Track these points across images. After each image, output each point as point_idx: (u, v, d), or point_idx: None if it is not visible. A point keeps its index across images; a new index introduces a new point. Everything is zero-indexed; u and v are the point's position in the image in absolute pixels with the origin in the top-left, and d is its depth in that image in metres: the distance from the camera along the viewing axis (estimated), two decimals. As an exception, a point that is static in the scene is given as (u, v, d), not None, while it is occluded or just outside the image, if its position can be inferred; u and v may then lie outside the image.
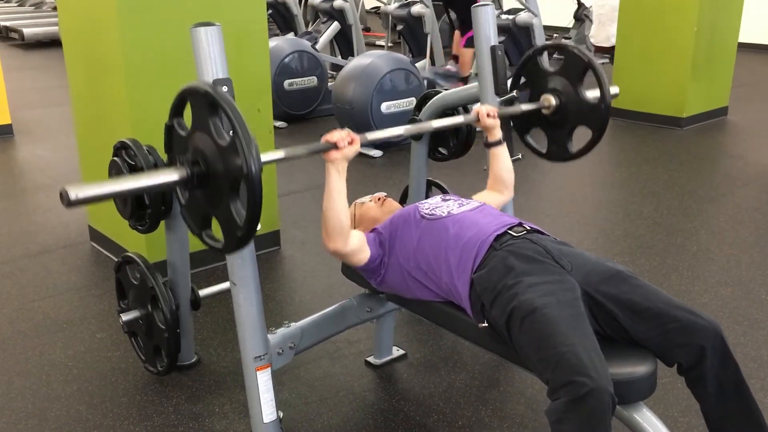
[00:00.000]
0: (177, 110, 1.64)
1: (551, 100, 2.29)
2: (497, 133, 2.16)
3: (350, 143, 1.75)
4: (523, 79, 2.41)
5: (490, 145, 2.18)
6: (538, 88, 2.33)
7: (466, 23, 6.11)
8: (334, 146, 1.73)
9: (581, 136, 2.31)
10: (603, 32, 7.39)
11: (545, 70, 2.32)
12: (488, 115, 2.13)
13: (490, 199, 2.15)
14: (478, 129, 2.59)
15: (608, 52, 7.40)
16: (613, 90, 2.24)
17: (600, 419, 1.41)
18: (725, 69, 5.96)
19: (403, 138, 2.82)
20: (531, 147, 2.45)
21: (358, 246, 1.87)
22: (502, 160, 2.18)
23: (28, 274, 3.20)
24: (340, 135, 1.74)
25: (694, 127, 5.74)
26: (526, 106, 2.30)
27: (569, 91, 2.26)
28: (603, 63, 7.59)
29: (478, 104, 2.17)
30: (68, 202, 1.38)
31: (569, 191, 4.34)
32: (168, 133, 1.64)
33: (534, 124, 2.38)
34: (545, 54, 2.37)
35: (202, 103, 1.53)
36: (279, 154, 1.68)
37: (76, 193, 1.39)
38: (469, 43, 6.06)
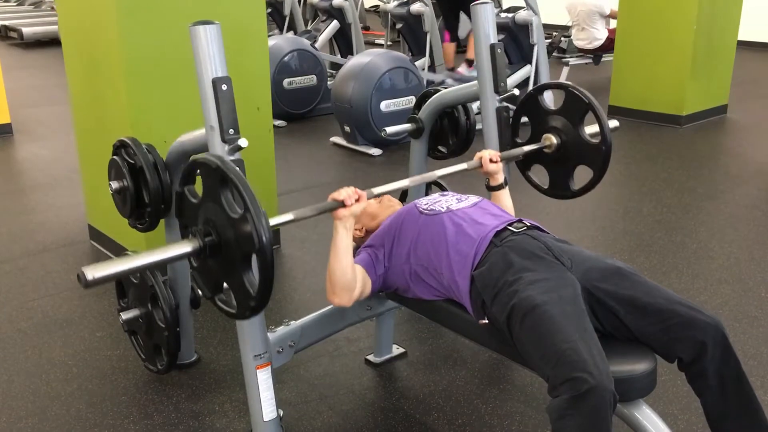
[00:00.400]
0: (187, 179, 1.65)
1: (552, 139, 2.31)
2: (500, 178, 2.16)
3: (357, 200, 1.77)
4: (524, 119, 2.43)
5: (492, 189, 2.17)
6: (539, 126, 2.35)
7: (447, 20, 6.20)
8: (342, 204, 1.75)
9: (583, 172, 2.32)
10: (584, 35, 7.35)
11: (546, 109, 2.34)
12: (491, 161, 2.13)
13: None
14: (478, 127, 2.60)
15: (591, 53, 7.39)
16: (612, 124, 2.26)
17: (601, 416, 1.41)
18: (725, 67, 5.96)
19: (403, 136, 2.82)
20: (533, 183, 2.47)
21: (361, 289, 1.88)
22: (504, 203, 2.17)
23: (27, 272, 3.20)
24: (347, 193, 1.76)
25: (694, 125, 5.74)
26: (527, 148, 2.32)
27: (570, 131, 2.28)
28: (587, 63, 7.58)
29: (482, 151, 2.17)
30: (85, 284, 1.41)
31: (569, 189, 4.34)
32: (179, 200, 1.66)
33: (535, 162, 2.40)
34: (545, 94, 2.39)
35: (213, 175, 1.54)
36: (288, 216, 1.70)
37: (92, 274, 1.42)
38: (451, 38, 6.20)
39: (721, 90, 6.03)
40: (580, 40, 7.35)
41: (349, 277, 1.81)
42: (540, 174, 2.45)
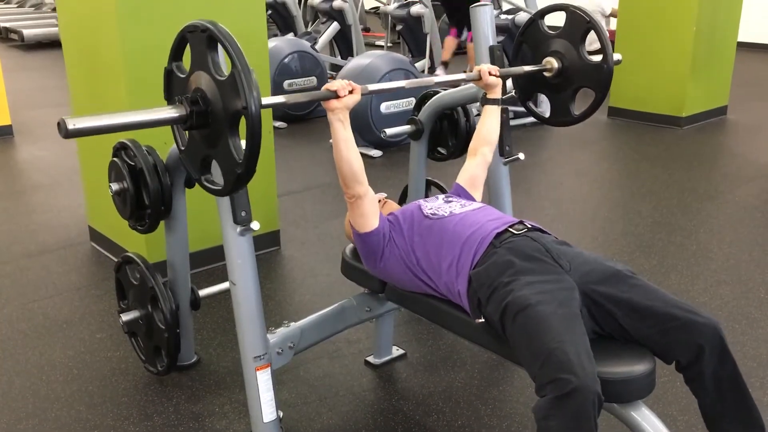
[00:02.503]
0: (176, 53, 1.64)
1: (553, 62, 2.29)
2: (497, 92, 2.19)
3: (351, 92, 1.77)
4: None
5: (487, 102, 2.19)
6: (540, 51, 2.33)
7: (451, 18, 6.21)
8: (335, 95, 1.75)
9: (583, 100, 2.30)
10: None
11: (546, 33, 2.32)
12: (490, 74, 2.15)
13: (474, 168, 2.16)
14: (476, 114, 2.60)
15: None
16: (616, 56, 2.24)
17: (585, 417, 1.42)
18: (725, 68, 5.97)
19: (403, 138, 2.82)
20: (533, 112, 2.44)
21: (373, 205, 1.89)
22: (493, 118, 2.20)
23: (28, 274, 3.21)
24: (340, 84, 1.77)
25: (694, 127, 5.74)
26: (528, 67, 2.30)
27: (571, 53, 2.26)
28: None
29: (482, 64, 2.18)
30: (66, 133, 1.40)
31: (568, 190, 4.35)
32: (167, 77, 1.64)
33: (536, 89, 2.38)
34: (545, 17, 2.37)
35: (202, 39, 1.52)
36: (281, 99, 1.69)
37: (73, 123, 1.41)
38: (458, 35, 6.21)
39: (721, 91, 6.03)
40: None
41: (356, 168, 1.81)
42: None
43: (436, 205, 1.98)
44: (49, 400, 2.29)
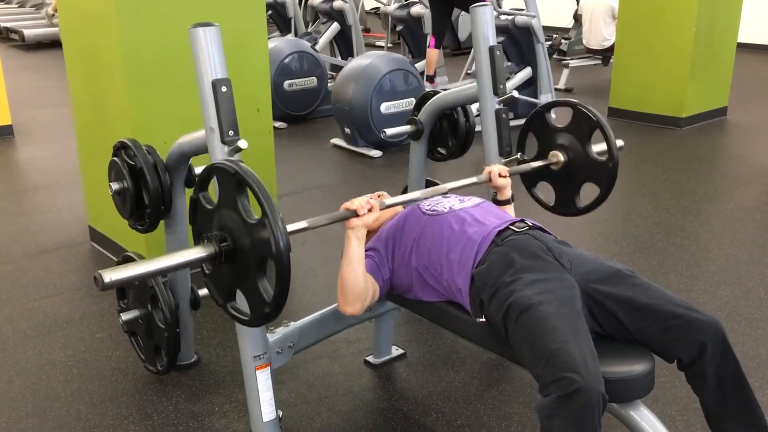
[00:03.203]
0: (202, 185, 1.65)
1: (559, 156, 2.32)
2: (507, 193, 2.18)
3: (369, 210, 1.78)
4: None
5: (499, 203, 2.18)
6: (546, 143, 2.36)
7: (435, 24, 6.15)
8: (355, 214, 1.76)
9: (588, 190, 2.33)
10: (595, 34, 7.35)
11: (553, 126, 2.35)
12: (500, 175, 2.14)
13: None
14: (477, 129, 2.60)
15: (601, 53, 7.38)
16: (618, 143, 2.27)
17: (589, 416, 1.42)
18: (724, 69, 5.97)
19: (403, 138, 2.83)
20: (538, 200, 2.48)
21: (371, 297, 1.89)
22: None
23: (28, 273, 3.21)
24: (360, 203, 1.77)
25: (694, 127, 5.75)
26: (535, 164, 2.34)
27: (577, 148, 2.29)
28: (595, 64, 7.59)
29: (491, 166, 2.19)
30: (102, 287, 1.46)
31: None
32: (193, 206, 1.66)
33: (542, 179, 2.41)
34: (552, 111, 2.41)
35: (230, 180, 1.54)
36: (302, 224, 1.71)
37: (109, 276, 1.46)
38: (437, 44, 6.14)
39: (721, 92, 6.03)
40: (590, 40, 7.35)
41: (361, 286, 1.82)
42: (545, 192, 2.46)
43: (434, 201, 1.99)
44: (49, 399, 2.29)
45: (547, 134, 2.36)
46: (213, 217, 1.61)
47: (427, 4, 6.77)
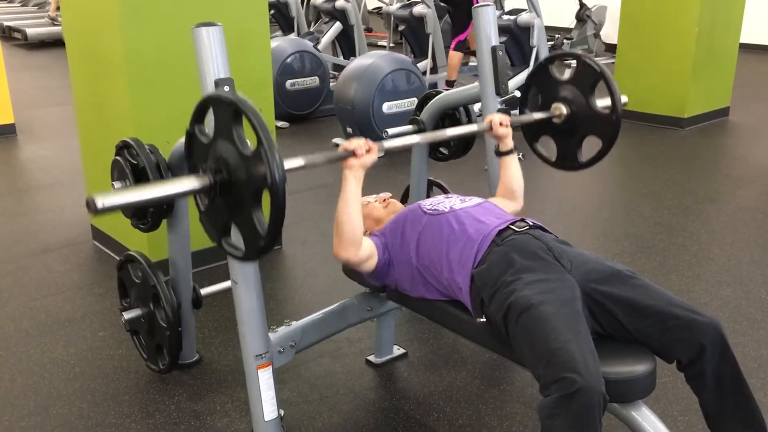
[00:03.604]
0: (198, 117, 1.64)
1: (562, 109, 2.29)
2: (509, 143, 2.16)
3: (368, 151, 1.77)
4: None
5: (501, 154, 2.17)
6: (549, 96, 2.34)
7: (456, 26, 6.11)
8: (353, 154, 1.75)
9: (590, 145, 2.31)
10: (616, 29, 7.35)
11: (556, 78, 2.32)
12: (501, 124, 2.13)
13: (506, 204, 2.14)
14: (477, 114, 2.60)
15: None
16: (623, 99, 2.24)
17: (589, 416, 1.42)
18: (726, 69, 5.96)
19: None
20: (540, 155, 2.45)
21: (368, 254, 1.89)
22: (512, 169, 2.17)
23: (30, 272, 3.22)
24: (358, 143, 1.76)
25: (696, 128, 5.74)
26: (537, 115, 2.30)
27: (580, 101, 2.26)
28: (613, 63, 7.57)
29: (492, 114, 2.17)
30: (95, 210, 1.41)
31: (570, 191, 4.35)
32: (189, 139, 1.64)
33: (544, 133, 2.38)
34: (556, 63, 2.38)
35: (227, 111, 1.53)
36: (299, 161, 1.69)
37: (102, 201, 1.42)
38: (458, 47, 6.07)
39: (723, 92, 6.03)
40: (611, 34, 7.31)
41: (357, 230, 1.80)
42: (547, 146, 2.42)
43: (435, 201, 1.99)
44: (51, 398, 2.30)
45: (551, 87, 2.33)
46: (209, 151, 1.59)
47: (430, 4, 6.77)
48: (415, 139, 1.99)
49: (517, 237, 1.78)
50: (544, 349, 1.51)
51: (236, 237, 1.61)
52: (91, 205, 1.40)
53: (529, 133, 2.42)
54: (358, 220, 1.79)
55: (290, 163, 1.66)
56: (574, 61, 2.29)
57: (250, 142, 1.49)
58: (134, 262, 2.35)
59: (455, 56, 6.06)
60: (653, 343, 1.63)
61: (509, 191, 2.18)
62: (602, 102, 2.25)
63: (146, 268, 2.28)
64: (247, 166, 1.49)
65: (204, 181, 1.56)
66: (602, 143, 2.27)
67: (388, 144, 1.87)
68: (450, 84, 6.05)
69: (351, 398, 2.30)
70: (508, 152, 2.17)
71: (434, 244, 1.86)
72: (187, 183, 1.57)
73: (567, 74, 2.31)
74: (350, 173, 1.77)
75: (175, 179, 1.56)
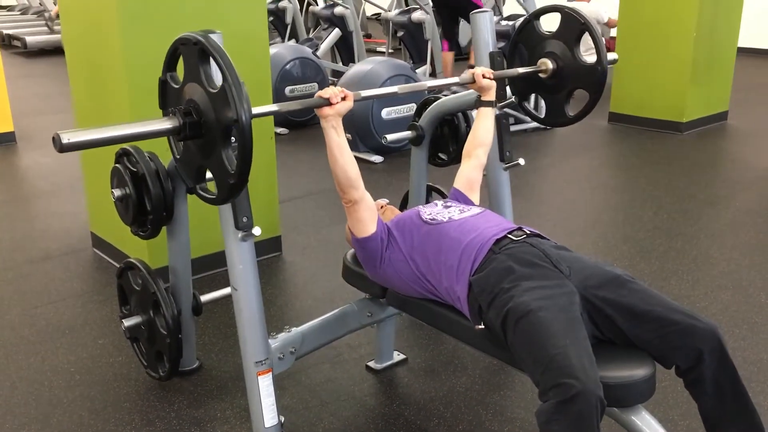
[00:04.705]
0: (170, 64, 1.66)
1: (548, 63, 2.31)
2: (492, 94, 2.20)
3: (343, 99, 1.79)
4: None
5: (481, 104, 2.20)
6: (536, 52, 2.34)
7: (447, 30, 6.15)
8: (327, 102, 1.77)
9: (579, 99, 2.32)
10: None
11: (541, 34, 2.33)
12: (484, 76, 2.16)
13: (469, 171, 2.17)
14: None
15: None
16: (611, 56, 2.25)
17: (587, 421, 1.42)
18: (725, 74, 5.98)
19: (404, 143, 2.83)
20: (529, 113, 2.46)
21: (370, 210, 1.91)
22: (488, 121, 2.21)
23: (30, 280, 3.22)
24: (333, 91, 1.79)
25: (694, 132, 5.75)
26: (523, 70, 2.31)
27: (566, 55, 2.28)
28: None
29: (476, 67, 2.20)
30: (60, 147, 1.42)
31: (569, 195, 4.35)
32: (162, 87, 1.67)
33: (532, 90, 2.39)
34: (541, 18, 2.39)
35: (193, 52, 1.55)
36: (272, 107, 1.72)
37: (68, 137, 1.42)
38: (450, 47, 6.13)
39: (722, 96, 6.04)
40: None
41: (351, 174, 1.83)
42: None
43: (435, 210, 1.99)
44: (51, 406, 2.30)
45: (536, 43, 2.34)
46: (180, 95, 1.61)
47: (428, 10, 6.79)
48: (393, 89, 2.01)
49: (515, 246, 1.78)
50: (542, 354, 1.51)
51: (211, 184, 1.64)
52: (56, 141, 1.41)
53: (517, 92, 2.42)
54: (348, 164, 1.82)
55: (262, 108, 1.68)
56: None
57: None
58: (134, 269, 2.35)
59: (448, 56, 6.10)
60: (652, 349, 1.63)
61: (478, 142, 2.20)
62: (589, 56, 2.26)
63: (146, 275, 2.28)
64: (215, 104, 1.51)
65: (174, 122, 1.58)
66: (589, 96, 2.29)
67: (365, 93, 1.89)
68: None
69: (351, 404, 2.29)
70: (489, 103, 2.20)
71: (433, 252, 1.86)
72: (157, 124, 1.58)
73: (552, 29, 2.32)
74: (327, 123, 1.80)
75: (145, 121, 1.58)
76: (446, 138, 2.77)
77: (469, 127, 2.71)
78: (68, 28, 3.28)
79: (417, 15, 6.93)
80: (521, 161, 2.53)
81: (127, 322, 2.36)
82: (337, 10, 6.98)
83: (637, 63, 5.77)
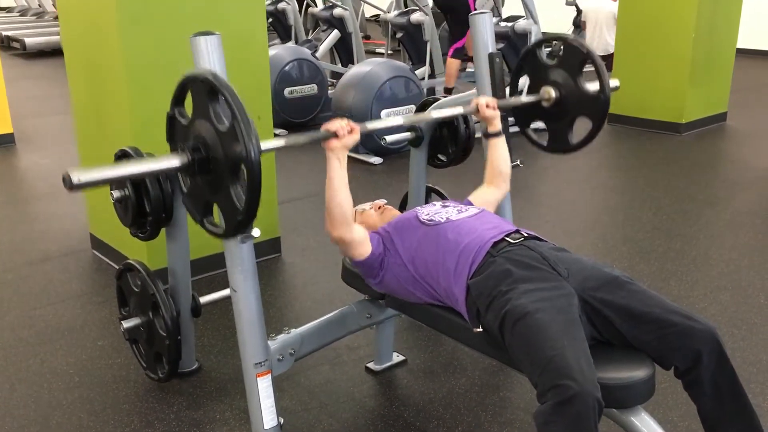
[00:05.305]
0: (178, 99, 1.67)
1: (551, 92, 2.31)
2: (497, 124, 2.17)
3: (350, 132, 1.78)
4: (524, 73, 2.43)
5: (489, 136, 2.18)
6: (538, 80, 2.35)
7: (454, 33, 6.12)
8: (334, 135, 1.76)
9: (581, 128, 2.32)
10: (599, 41, 7.36)
11: (544, 62, 2.34)
12: (487, 106, 2.14)
13: (488, 195, 2.16)
14: (477, 135, 2.61)
15: (605, 59, 7.39)
16: (613, 83, 2.26)
17: (585, 423, 1.42)
18: (724, 74, 5.98)
19: (403, 145, 2.83)
20: (532, 140, 2.47)
21: (361, 238, 1.89)
22: (500, 151, 2.18)
23: (29, 281, 3.22)
24: (339, 124, 1.77)
25: (693, 133, 5.76)
26: (525, 98, 2.32)
27: (569, 83, 2.28)
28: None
29: (479, 96, 2.19)
30: (71, 186, 1.41)
31: (568, 197, 4.36)
32: (170, 122, 1.67)
33: (535, 117, 2.40)
34: (544, 46, 2.40)
35: (203, 89, 1.55)
36: (279, 142, 1.72)
37: (78, 177, 1.42)
38: (456, 54, 6.08)
39: (721, 97, 6.04)
40: (594, 47, 7.36)
41: (345, 210, 1.81)
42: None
43: (432, 210, 1.99)
44: (50, 407, 2.29)
45: (539, 71, 2.35)
46: (189, 131, 1.61)
47: (428, 12, 6.79)
48: (398, 120, 2.01)
49: (512, 249, 1.78)
50: (539, 356, 1.51)
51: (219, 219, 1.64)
52: (66, 181, 1.41)
53: (520, 118, 2.43)
54: (345, 200, 1.80)
55: (272, 143, 1.68)
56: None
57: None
58: (133, 270, 2.35)
59: (453, 63, 6.08)
60: (650, 350, 1.63)
61: (497, 172, 2.19)
62: (591, 84, 2.26)
63: (145, 276, 2.28)
64: (224, 141, 1.51)
65: (183, 159, 1.58)
66: (592, 124, 2.29)
67: (371, 125, 1.88)
68: (448, 91, 6.06)
69: (351, 406, 2.29)
70: (497, 134, 2.18)
71: (431, 254, 1.86)
72: (166, 160, 1.59)
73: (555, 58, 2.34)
74: (333, 155, 1.78)
75: (154, 158, 1.58)
76: (445, 139, 2.77)
77: (468, 128, 2.71)
78: (67, 29, 3.28)
79: (416, 16, 6.93)
80: (520, 163, 2.53)
81: (127, 324, 2.36)
82: (336, 11, 6.98)
83: (637, 64, 5.77)
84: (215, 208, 1.68)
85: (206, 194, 1.62)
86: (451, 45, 6.19)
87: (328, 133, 1.76)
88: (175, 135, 1.67)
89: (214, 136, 1.53)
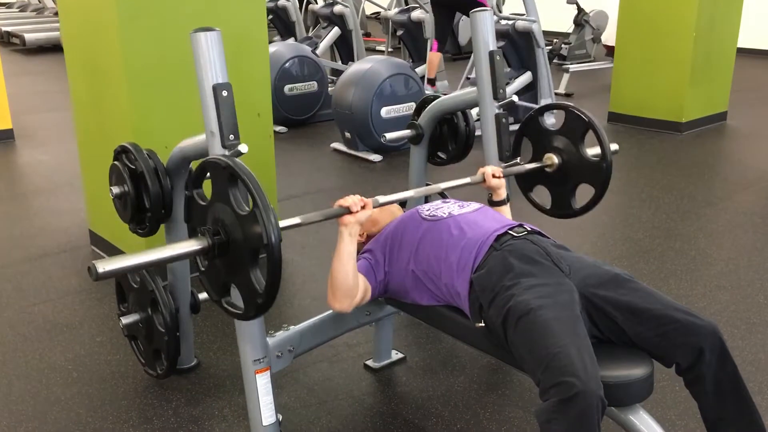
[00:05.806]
0: (196, 182, 1.68)
1: (554, 158, 2.35)
2: (502, 193, 2.19)
3: (363, 207, 1.80)
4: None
5: (494, 204, 2.19)
6: (541, 146, 2.39)
7: (438, 29, 6.17)
8: (348, 211, 1.78)
9: (584, 192, 2.35)
10: None
11: (546, 129, 2.38)
12: (494, 176, 2.16)
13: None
14: (477, 133, 2.61)
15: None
16: (613, 147, 2.30)
17: (588, 420, 1.42)
18: (724, 74, 5.98)
19: (402, 143, 2.83)
20: (535, 204, 2.51)
21: (361, 297, 1.90)
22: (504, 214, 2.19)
23: (28, 277, 3.21)
24: (353, 200, 1.79)
25: (693, 132, 5.76)
26: (529, 165, 2.36)
27: (571, 150, 2.32)
28: (599, 68, 7.60)
29: (485, 166, 2.21)
30: (96, 277, 1.47)
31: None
32: (188, 203, 1.68)
33: (537, 182, 2.43)
34: (545, 114, 2.44)
35: (223, 175, 1.57)
36: (295, 220, 1.74)
37: (102, 267, 1.47)
38: (439, 48, 6.14)
39: (721, 97, 6.04)
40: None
41: (351, 283, 1.82)
42: (541, 196, 2.48)
43: (434, 206, 2.00)
44: (49, 403, 2.29)
45: (541, 137, 2.39)
46: (207, 213, 1.63)
47: (428, 9, 6.78)
48: (409, 193, 2.05)
49: (516, 242, 1.79)
50: (542, 353, 1.51)
51: (236, 296, 1.64)
52: (92, 271, 1.46)
53: (523, 184, 2.48)
54: (351, 274, 1.82)
55: (287, 222, 1.71)
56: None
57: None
58: (132, 266, 2.34)
59: (435, 57, 6.12)
60: (652, 348, 1.63)
61: None
62: (592, 150, 2.30)
63: (144, 273, 2.28)
64: (244, 226, 1.53)
65: (203, 243, 1.60)
66: (594, 190, 2.32)
67: (383, 199, 1.92)
68: (432, 82, 6.10)
69: (349, 403, 2.29)
70: (501, 203, 2.19)
71: (433, 249, 1.86)
72: (186, 246, 1.61)
73: (558, 125, 2.37)
74: (345, 230, 1.80)
75: (174, 244, 1.60)
76: (445, 137, 2.77)
77: (468, 126, 2.71)
78: (67, 25, 3.27)
79: (416, 14, 6.92)
80: (519, 161, 2.53)
81: (125, 320, 2.36)
82: (337, 8, 6.97)
83: (637, 63, 5.77)
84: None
85: (224, 275, 1.63)
86: (433, 39, 6.21)
87: (342, 210, 1.79)
88: (193, 216, 1.69)
89: (234, 220, 1.55)
